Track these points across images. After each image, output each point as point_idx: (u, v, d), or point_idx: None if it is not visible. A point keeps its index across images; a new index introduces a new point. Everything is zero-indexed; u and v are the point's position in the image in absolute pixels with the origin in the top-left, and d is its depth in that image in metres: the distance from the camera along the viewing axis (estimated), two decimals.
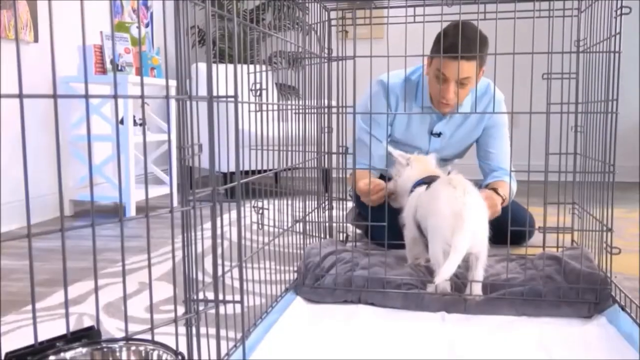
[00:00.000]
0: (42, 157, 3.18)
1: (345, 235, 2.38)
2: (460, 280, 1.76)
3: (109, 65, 3.31)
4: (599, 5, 1.72)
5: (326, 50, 2.17)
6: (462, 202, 1.63)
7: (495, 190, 2.21)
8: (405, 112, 2.31)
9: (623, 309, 1.58)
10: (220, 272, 1.19)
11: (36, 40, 3.09)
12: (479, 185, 1.97)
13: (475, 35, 1.95)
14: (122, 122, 3.27)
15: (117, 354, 0.93)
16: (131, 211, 3.27)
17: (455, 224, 1.61)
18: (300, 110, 2.01)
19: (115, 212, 3.55)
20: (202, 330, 1.12)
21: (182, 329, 1.06)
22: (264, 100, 2.72)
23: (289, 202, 1.99)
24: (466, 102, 2.28)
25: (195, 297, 1.07)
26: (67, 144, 3.33)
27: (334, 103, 2.12)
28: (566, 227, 1.81)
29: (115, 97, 0.90)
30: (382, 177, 2.33)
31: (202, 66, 3.92)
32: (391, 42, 1.81)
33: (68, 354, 0.89)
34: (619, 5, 1.57)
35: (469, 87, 2.18)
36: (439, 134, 2.38)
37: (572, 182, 1.89)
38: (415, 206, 1.83)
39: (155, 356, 0.94)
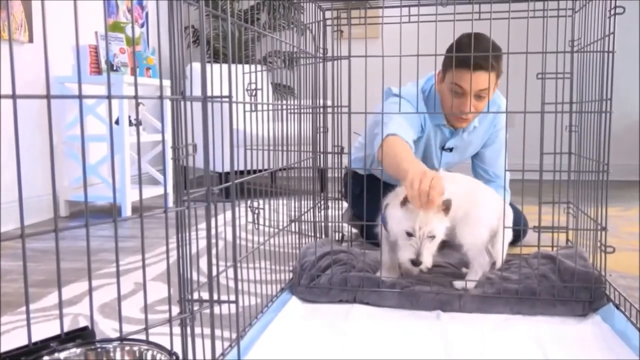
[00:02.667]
0: (37, 157, 3.17)
1: (340, 235, 2.38)
2: (455, 268, 1.78)
3: (104, 66, 3.31)
4: (593, 5, 1.72)
5: (321, 50, 2.17)
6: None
7: None
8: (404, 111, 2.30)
9: (617, 307, 1.59)
10: (215, 272, 1.19)
11: (31, 40, 3.08)
12: None
13: (492, 45, 1.91)
14: (117, 122, 3.27)
15: (111, 354, 0.93)
16: (127, 211, 3.27)
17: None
18: (296, 110, 2.01)
19: (111, 212, 3.55)
20: (197, 330, 1.13)
21: (177, 329, 1.06)
22: (259, 100, 2.72)
23: (285, 201, 1.99)
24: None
25: (190, 297, 1.07)
26: (62, 144, 3.33)
27: (329, 103, 2.12)
28: (561, 227, 1.81)
29: (109, 97, 0.90)
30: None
31: (197, 66, 3.92)
32: (386, 41, 1.82)
33: (62, 355, 0.89)
34: (612, 5, 1.57)
35: (486, 100, 2.10)
36: (450, 149, 2.37)
37: (567, 181, 1.90)
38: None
39: (149, 356, 0.94)
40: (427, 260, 1.63)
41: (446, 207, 1.64)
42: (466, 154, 2.43)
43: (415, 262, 1.62)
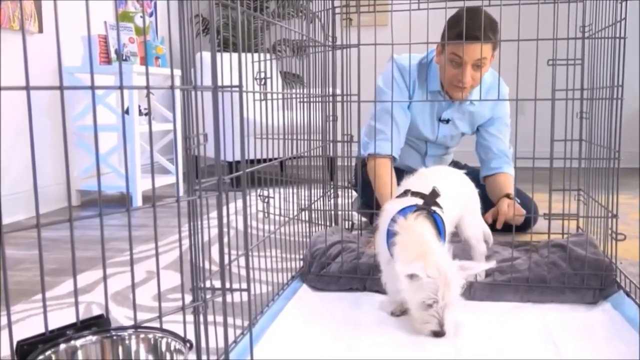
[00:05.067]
0: (46, 147, 3.19)
1: (350, 223, 2.39)
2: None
3: (113, 55, 3.31)
4: None
5: (330, 38, 2.17)
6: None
7: (508, 196, 2.19)
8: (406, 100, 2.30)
9: (628, 294, 1.59)
10: (226, 261, 1.20)
11: (41, 30, 3.09)
12: (476, 179, 1.95)
13: (487, 19, 1.96)
14: (127, 112, 3.28)
15: (127, 341, 0.94)
16: (137, 201, 3.29)
17: None
18: (305, 99, 2.01)
19: (121, 201, 3.57)
20: (210, 318, 1.14)
21: (189, 317, 1.07)
22: (269, 89, 2.72)
23: (295, 190, 1.99)
24: (475, 92, 2.26)
25: (202, 285, 1.08)
26: (72, 134, 3.34)
27: (338, 91, 2.12)
28: (571, 214, 1.81)
29: (121, 87, 0.91)
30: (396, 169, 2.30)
31: (207, 55, 3.92)
32: (395, 29, 1.81)
33: (78, 342, 0.90)
34: None
35: (483, 71, 2.15)
36: (447, 121, 2.37)
37: (578, 168, 1.89)
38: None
39: (163, 344, 0.95)
40: (450, 327, 1.42)
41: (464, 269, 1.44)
42: (461, 129, 2.41)
43: (440, 334, 1.40)
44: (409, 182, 1.72)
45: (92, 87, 0.87)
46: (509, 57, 1.86)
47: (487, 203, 1.90)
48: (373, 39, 1.77)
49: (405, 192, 1.66)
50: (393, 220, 1.52)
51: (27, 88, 0.80)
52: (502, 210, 2.14)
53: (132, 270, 0.97)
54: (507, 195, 2.19)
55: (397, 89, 2.24)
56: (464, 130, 2.43)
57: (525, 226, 2.30)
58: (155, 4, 4.31)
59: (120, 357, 0.94)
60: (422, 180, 1.70)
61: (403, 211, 1.53)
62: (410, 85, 2.29)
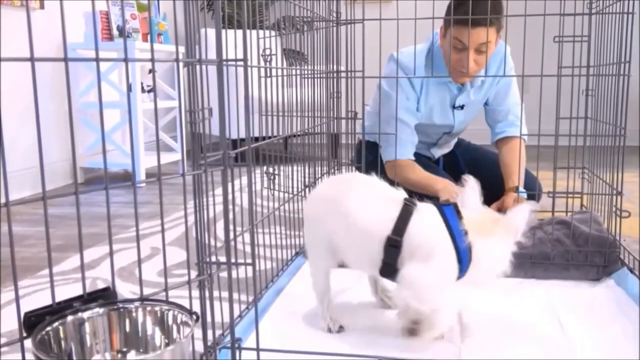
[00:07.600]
0: (50, 124, 3.19)
1: None
2: None
3: (115, 32, 3.29)
4: None
5: (335, 14, 2.15)
6: None
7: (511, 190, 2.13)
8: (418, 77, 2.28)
9: (631, 271, 1.59)
10: (232, 236, 1.20)
11: (42, 7, 3.07)
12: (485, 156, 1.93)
13: (491, 1, 1.92)
14: (130, 88, 3.27)
15: (133, 314, 0.95)
16: (141, 178, 3.29)
17: None
18: (309, 75, 2.00)
19: (125, 179, 3.57)
20: (215, 293, 1.14)
21: (195, 293, 1.08)
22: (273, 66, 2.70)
23: (299, 167, 1.99)
24: (481, 71, 2.23)
25: (208, 260, 1.09)
26: (75, 111, 3.33)
27: (342, 68, 2.10)
28: (576, 192, 1.81)
29: (125, 60, 0.90)
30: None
31: (210, 32, 3.89)
32: (400, 6, 1.79)
33: (85, 314, 0.91)
34: None
35: (488, 55, 2.12)
36: (462, 107, 2.34)
37: (583, 146, 1.88)
38: None
39: (170, 316, 0.95)
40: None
41: None
42: (476, 110, 2.40)
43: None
44: None
45: (97, 59, 0.87)
46: (515, 33, 1.84)
47: None
48: (378, 15, 1.75)
49: None
50: None
51: (32, 59, 0.80)
52: (507, 206, 2.12)
53: (138, 244, 0.97)
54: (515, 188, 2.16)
55: (402, 94, 2.18)
56: (476, 114, 2.41)
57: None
58: None
59: (127, 329, 0.94)
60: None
61: None
62: (419, 87, 2.22)
